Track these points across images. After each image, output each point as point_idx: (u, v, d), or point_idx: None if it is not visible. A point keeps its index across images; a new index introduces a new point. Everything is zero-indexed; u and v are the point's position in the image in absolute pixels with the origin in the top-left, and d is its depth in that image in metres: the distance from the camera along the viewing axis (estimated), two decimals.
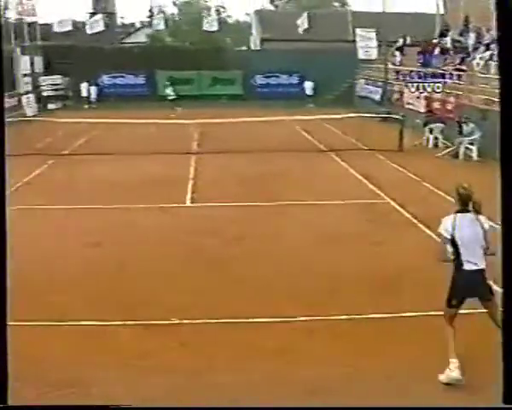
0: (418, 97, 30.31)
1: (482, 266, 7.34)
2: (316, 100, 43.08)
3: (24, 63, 42.40)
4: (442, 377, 7.23)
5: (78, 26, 55.16)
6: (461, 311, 7.38)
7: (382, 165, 21.27)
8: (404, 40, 39.56)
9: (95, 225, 14.17)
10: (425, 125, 25.71)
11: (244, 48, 61.19)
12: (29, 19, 44.55)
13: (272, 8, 70.82)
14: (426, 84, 29.64)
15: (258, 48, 54.50)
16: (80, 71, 44.14)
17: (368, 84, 40.35)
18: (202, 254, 11.91)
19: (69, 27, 48.33)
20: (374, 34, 39.11)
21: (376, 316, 8.98)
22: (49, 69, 45.44)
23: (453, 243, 7.34)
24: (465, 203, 7.34)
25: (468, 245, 7.27)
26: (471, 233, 7.28)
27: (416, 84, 30.72)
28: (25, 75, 42.28)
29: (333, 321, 8.82)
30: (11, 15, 43.94)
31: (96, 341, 8.38)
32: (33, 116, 36.30)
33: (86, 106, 43.69)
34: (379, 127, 28.98)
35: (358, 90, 42.44)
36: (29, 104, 40.26)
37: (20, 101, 39.60)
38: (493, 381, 5.54)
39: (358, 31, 40.66)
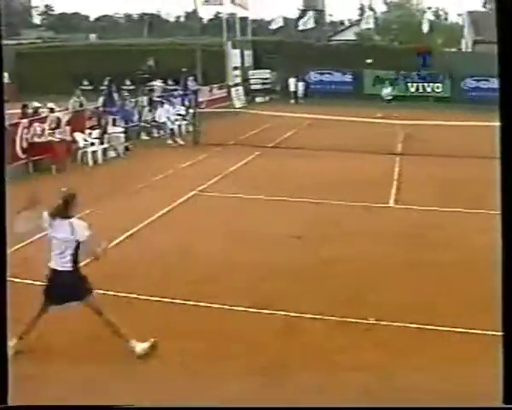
0: None
1: (68, 267, 7.62)
2: None
3: (234, 57, 43.90)
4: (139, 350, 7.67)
5: (287, 23, 56.33)
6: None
7: None
8: None
9: (297, 217, 14.36)
10: None
11: (454, 49, 59.74)
12: (241, 13, 46.03)
13: (485, 10, 68.58)
14: (426, 84, 27.23)
15: (470, 50, 52.96)
16: (288, 66, 44.92)
17: None
18: (404, 256, 11.71)
19: (281, 24, 49.41)
20: None
21: None
22: (258, 63, 46.64)
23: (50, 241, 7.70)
24: (64, 207, 7.64)
25: (58, 245, 7.61)
26: (62, 235, 7.58)
27: (415, 84, 28.33)
28: (235, 68, 43.81)
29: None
30: (224, 10, 45.52)
31: (293, 331, 8.58)
32: (241, 108, 37.46)
33: (292, 101, 44.33)
34: None
35: None
36: (238, 96, 41.73)
37: (229, 93, 41.13)
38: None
39: None
